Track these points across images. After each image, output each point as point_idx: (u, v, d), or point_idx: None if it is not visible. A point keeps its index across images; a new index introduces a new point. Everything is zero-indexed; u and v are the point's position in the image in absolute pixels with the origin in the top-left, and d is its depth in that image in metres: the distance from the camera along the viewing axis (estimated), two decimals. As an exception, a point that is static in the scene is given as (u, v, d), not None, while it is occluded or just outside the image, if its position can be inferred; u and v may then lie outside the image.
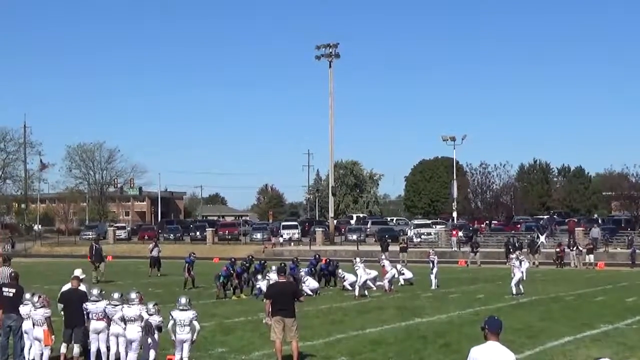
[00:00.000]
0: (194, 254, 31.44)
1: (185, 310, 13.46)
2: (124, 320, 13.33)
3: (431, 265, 30.42)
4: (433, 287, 29.45)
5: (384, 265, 28.97)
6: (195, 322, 13.45)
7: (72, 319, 13.88)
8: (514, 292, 26.80)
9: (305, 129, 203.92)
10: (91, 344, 13.80)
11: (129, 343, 13.27)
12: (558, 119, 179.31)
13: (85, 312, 13.83)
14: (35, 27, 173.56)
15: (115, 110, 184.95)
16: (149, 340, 13.25)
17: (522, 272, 32.53)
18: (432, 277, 29.92)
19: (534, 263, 43.44)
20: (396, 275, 29.40)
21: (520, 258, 34.73)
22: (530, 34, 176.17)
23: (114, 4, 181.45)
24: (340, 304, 24.20)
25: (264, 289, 21.12)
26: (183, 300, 13.64)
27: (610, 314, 21.32)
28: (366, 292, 26.76)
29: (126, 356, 13.33)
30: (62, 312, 14.29)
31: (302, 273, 28.00)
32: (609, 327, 18.80)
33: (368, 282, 27.48)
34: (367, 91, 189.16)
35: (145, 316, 13.25)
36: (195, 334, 13.54)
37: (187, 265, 30.01)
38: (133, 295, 13.64)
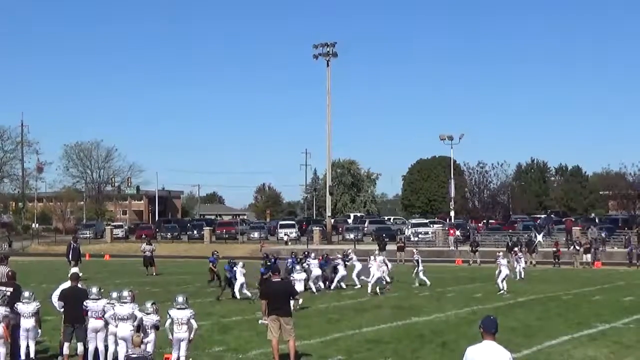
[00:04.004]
0: (217, 252, 30.65)
1: (183, 308, 13.48)
2: (115, 318, 13.38)
3: (416, 264, 30.42)
4: (427, 284, 29.25)
5: (371, 266, 29.02)
6: (192, 321, 13.46)
7: (72, 316, 13.90)
8: (502, 287, 27.22)
9: (302, 128, 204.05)
10: (89, 342, 13.81)
11: (121, 341, 13.29)
12: (555, 118, 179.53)
13: (85, 310, 13.86)
14: (33, 25, 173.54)
15: (113, 109, 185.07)
16: (146, 339, 13.24)
17: (519, 271, 32.71)
18: (422, 275, 29.83)
19: (531, 262, 43.52)
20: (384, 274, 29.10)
21: (518, 255, 34.90)
22: (528, 33, 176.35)
23: (113, 3, 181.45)
24: (337, 303, 24.21)
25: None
26: (180, 299, 13.65)
27: (607, 313, 21.37)
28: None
29: (117, 353, 13.39)
30: (63, 310, 14.31)
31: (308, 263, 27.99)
32: (606, 327, 18.84)
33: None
34: (365, 90, 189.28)
35: (138, 315, 13.27)
36: (193, 333, 13.55)
37: (211, 264, 29.52)
38: (125, 293, 13.70)
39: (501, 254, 30.41)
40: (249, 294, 24.53)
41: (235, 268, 25.52)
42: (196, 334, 13.93)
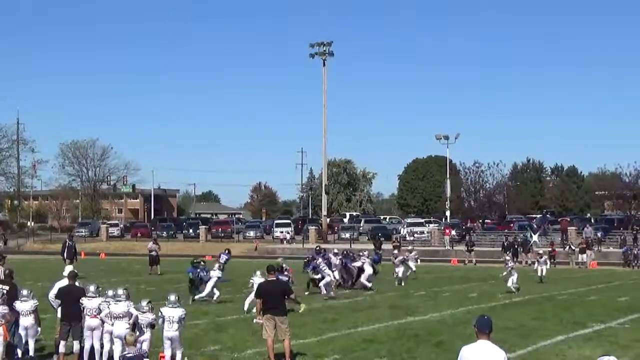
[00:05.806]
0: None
1: (175, 307, 13.49)
2: (110, 316, 13.40)
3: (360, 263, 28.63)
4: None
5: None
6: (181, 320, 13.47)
7: (69, 314, 13.92)
8: (513, 289, 27.41)
9: (298, 127, 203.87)
10: (85, 341, 13.81)
11: (116, 339, 13.31)
12: (552, 118, 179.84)
13: (81, 309, 13.86)
14: (29, 23, 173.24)
15: (109, 107, 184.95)
16: (141, 338, 13.24)
17: (540, 272, 32.51)
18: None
19: (526, 262, 43.56)
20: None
21: (545, 258, 34.19)
22: (524, 33, 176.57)
23: (111, 1, 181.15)
24: (333, 302, 24.20)
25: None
26: (172, 298, 13.67)
27: (603, 313, 21.39)
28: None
29: (113, 352, 13.39)
30: (59, 308, 14.30)
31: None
32: (601, 327, 18.86)
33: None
34: (361, 90, 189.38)
35: (134, 312, 13.28)
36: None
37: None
38: (120, 291, 13.75)
39: (508, 257, 31.99)
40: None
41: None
42: (190, 333, 13.87)
